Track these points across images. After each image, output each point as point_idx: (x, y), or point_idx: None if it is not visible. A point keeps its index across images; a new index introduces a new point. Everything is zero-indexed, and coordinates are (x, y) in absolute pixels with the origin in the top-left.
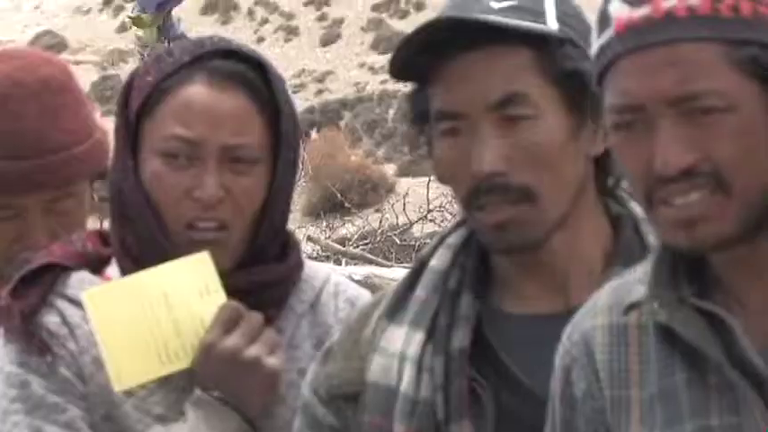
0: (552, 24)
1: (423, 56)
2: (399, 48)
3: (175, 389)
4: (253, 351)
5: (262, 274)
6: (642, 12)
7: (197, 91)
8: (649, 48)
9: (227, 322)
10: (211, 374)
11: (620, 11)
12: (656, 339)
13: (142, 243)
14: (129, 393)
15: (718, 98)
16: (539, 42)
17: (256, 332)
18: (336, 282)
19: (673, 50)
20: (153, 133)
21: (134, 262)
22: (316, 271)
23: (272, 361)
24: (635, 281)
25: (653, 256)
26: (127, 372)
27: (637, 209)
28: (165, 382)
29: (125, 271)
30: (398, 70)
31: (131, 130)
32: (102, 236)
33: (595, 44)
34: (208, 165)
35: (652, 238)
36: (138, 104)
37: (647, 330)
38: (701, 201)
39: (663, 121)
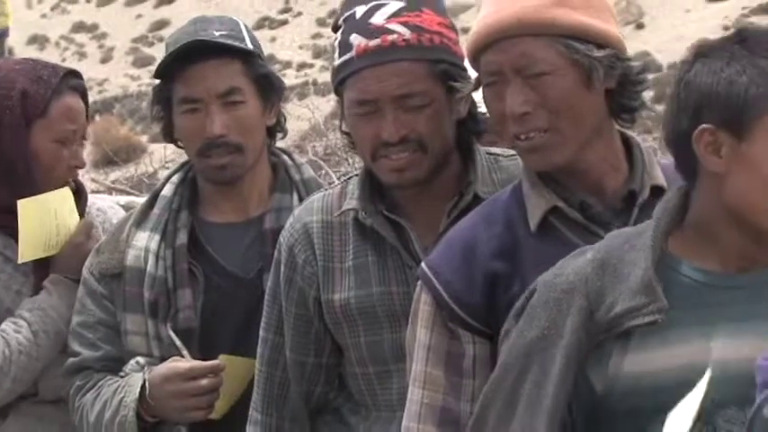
0: (249, 45)
1: (173, 64)
2: (162, 60)
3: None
4: (91, 244)
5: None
6: (374, 42)
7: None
8: (380, 65)
9: (86, 231)
10: (72, 262)
11: (358, 40)
12: (354, 233)
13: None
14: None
15: (423, 96)
16: (243, 56)
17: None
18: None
19: (395, 66)
20: None
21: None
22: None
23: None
24: (337, 195)
25: (359, 180)
26: (28, 252)
27: (288, 161)
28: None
29: None
30: (159, 73)
31: None
32: None
33: (337, 62)
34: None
35: (297, 177)
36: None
37: (348, 227)
38: (408, 156)
39: (388, 110)
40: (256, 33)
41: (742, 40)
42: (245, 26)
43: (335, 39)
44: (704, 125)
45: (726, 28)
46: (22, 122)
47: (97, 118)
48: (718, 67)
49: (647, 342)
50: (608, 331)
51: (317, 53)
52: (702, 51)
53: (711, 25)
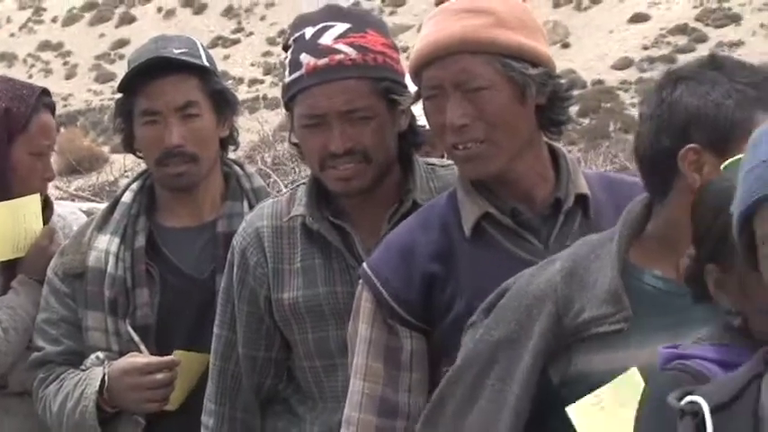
0: (205, 63)
1: (135, 79)
2: (125, 75)
3: None
4: (53, 247)
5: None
6: (323, 61)
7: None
8: (328, 82)
9: (49, 235)
10: (37, 264)
11: (308, 59)
12: (302, 237)
13: None
14: None
15: (368, 111)
16: (200, 73)
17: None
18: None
19: (342, 84)
20: None
21: None
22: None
23: None
24: (286, 202)
25: (307, 188)
26: (1, 253)
27: (239, 171)
28: None
29: None
30: (122, 87)
31: None
32: None
33: (288, 79)
34: None
35: (247, 185)
36: None
37: (297, 231)
38: (354, 167)
39: (335, 124)
40: (211, 51)
41: (718, 66)
42: (202, 45)
43: (286, 57)
44: (691, 145)
45: (645, 47)
46: (4, 137)
47: (62, 130)
48: (704, 91)
49: (609, 344)
50: (574, 335)
51: (267, 70)
52: (683, 75)
53: (632, 45)
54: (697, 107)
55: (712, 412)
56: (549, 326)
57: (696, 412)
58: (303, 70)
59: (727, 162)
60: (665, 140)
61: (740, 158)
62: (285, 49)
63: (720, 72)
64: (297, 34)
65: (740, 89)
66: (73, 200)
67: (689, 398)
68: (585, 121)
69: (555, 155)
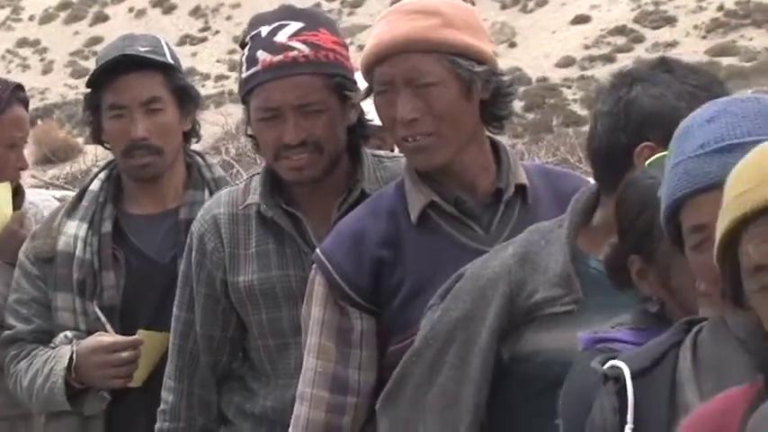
0: (169, 60)
1: (103, 75)
2: (93, 71)
3: None
4: (24, 232)
5: None
6: (278, 57)
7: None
8: (282, 77)
9: (19, 220)
10: (8, 247)
11: (264, 56)
12: (256, 223)
13: None
14: None
15: (320, 105)
16: (164, 69)
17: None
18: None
19: (296, 79)
20: None
21: None
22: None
23: None
24: (242, 191)
25: (262, 178)
26: None
27: (201, 161)
28: None
29: None
30: (90, 83)
31: None
32: None
33: (245, 74)
34: None
35: (208, 175)
36: None
37: (252, 218)
38: (307, 157)
39: (289, 117)
40: (179, 49)
41: (669, 70)
42: (167, 43)
43: (243, 54)
44: (647, 143)
45: (586, 47)
46: None
47: (39, 122)
48: (658, 92)
49: (558, 324)
50: (527, 315)
51: (233, 66)
52: (638, 76)
53: (574, 45)
54: (653, 107)
55: (633, 377)
56: (503, 305)
57: (618, 377)
58: (259, 66)
59: (650, 159)
60: (622, 137)
61: (663, 156)
62: (242, 46)
63: (671, 75)
64: (253, 32)
65: (691, 91)
66: (48, 188)
67: (611, 362)
68: (530, 116)
69: (496, 148)
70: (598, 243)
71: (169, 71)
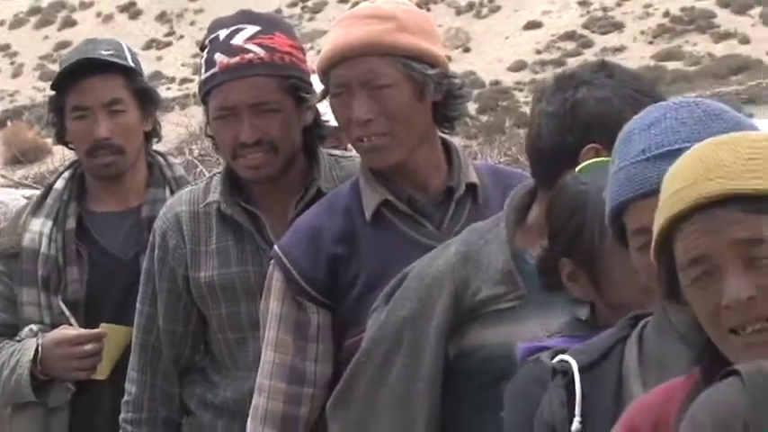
0: (130, 63)
1: (66, 78)
2: (57, 74)
3: None
4: None
5: None
6: (234, 59)
7: None
8: (239, 78)
9: None
10: None
11: (221, 58)
12: (217, 221)
13: None
14: None
15: (275, 104)
16: (125, 72)
17: None
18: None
19: (252, 80)
20: None
21: None
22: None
23: None
24: (203, 190)
25: (221, 177)
26: None
27: (162, 161)
28: None
29: None
30: (55, 86)
31: None
32: None
33: (203, 76)
34: None
35: (169, 174)
36: None
37: (212, 216)
38: (262, 156)
39: (245, 116)
40: (145, 53)
41: (610, 74)
42: (128, 48)
43: (202, 57)
44: (592, 144)
45: (538, 52)
46: None
47: (9, 124)
48: (603, 95)
49: (501, 319)
50: (472, 312)
51: (197, 70)
52: (583, 79)
53: (526, 50)
54: (599, 109)
55: (581, 371)
56: (449, 304)
57: (566, 371)
58: (217, 68)
59: (581, 165)
60: (568, 138)
61: (595, 162)
62: (202, 49)
63: (613, 79)
64: (212, 36)
65: (633, 95)
66: (17, 187)
67: (560, 356)
68: (484, 118)
69: (447, 148)
70: (534, 239)
71: (130, 74)
